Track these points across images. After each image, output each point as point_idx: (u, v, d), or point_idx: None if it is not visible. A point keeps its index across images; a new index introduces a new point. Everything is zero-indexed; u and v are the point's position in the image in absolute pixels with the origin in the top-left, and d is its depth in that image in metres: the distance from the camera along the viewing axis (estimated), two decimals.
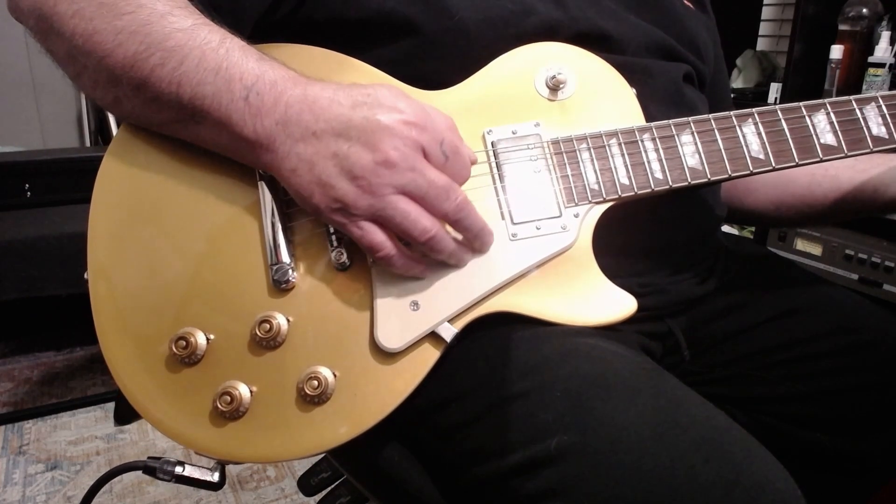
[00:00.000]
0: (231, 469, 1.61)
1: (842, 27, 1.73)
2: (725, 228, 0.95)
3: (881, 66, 1.64)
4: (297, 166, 0.54)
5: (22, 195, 1.92)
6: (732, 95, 1.00)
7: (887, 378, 0.74)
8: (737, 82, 2.15)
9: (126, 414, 0.59)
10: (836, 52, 1.72)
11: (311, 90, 0.54)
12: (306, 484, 0.92)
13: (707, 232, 0.79)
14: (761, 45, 2.26)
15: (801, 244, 1.72)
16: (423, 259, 0.57)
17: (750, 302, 0.79)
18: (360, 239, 0.55)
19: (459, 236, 0.57)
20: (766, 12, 2.25)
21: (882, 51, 1.65)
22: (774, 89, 1.91)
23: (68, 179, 1.94)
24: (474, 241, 0.57)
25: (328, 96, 0.54)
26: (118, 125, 0.63)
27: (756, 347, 0.78)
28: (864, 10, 1.70)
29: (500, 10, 0.66)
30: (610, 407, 0.50)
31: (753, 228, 1.84)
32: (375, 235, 0.54)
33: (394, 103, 0.54)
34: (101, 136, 2.74)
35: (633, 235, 0.69)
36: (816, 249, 1.67)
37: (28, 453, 1.70)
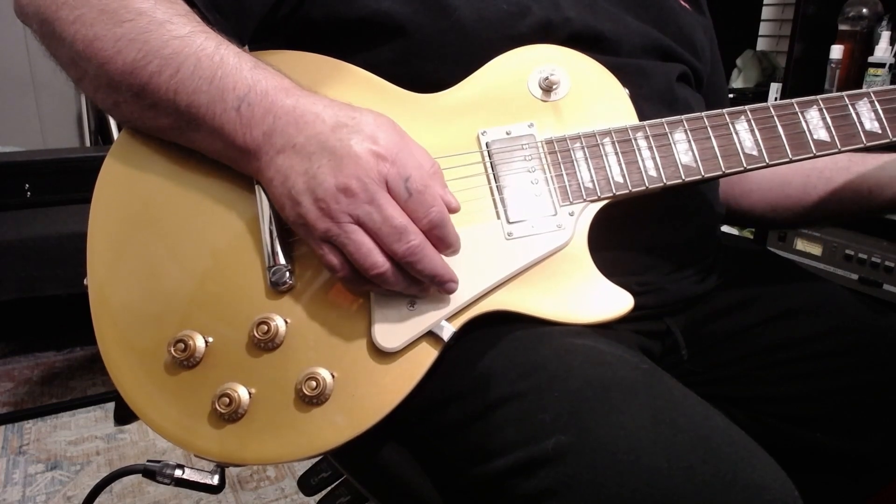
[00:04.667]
0: (231, 469, 1.61)
1: (842, 27, 1.73)
2: (725, 228, 0.95)
3: (881, 66, 1.64)
4: (273, 176, 0.55)
5: (22, 195, 1.93)
6: (732, 96, 1.00)
7: (887, 378, 0.73)
8: (737, 82, 2.15)
9: (126, 414, 0.59)
10: (836, 52, 1.72)
11: (301, 102, 0.55)
12: (306, 484, 0.92)
13: (707, 229, 0.79)
14: (761, 45, 2.26)
15: (801, 244, 1.71)
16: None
17: (750, 301, 0.79)
18: (321, 258, 0.55)
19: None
20: (766, 12, 2.25)
21: (882, 51, 1.65)
22: (774, 89, 1.91)
23: (68, 179, 1.95)
24: (430, 284, 0.56)
25: (316, 111, 0.54)
26: (119, 126, 0.63)
27: (756, 347, 0.78)
28: (864, 10, 1.70)
29: (496, 11, 0.66)
30: (607, 407, 0.50)
31: (753, 228, 1.84)
32: (332, 258, 0.54)
33: (373, 132, 0.54)
34: (102, 136, 2.74)
35: (632, 234, 0.69)
36: (816, 249, 1.67)
37: (28, 453, 1.70)
